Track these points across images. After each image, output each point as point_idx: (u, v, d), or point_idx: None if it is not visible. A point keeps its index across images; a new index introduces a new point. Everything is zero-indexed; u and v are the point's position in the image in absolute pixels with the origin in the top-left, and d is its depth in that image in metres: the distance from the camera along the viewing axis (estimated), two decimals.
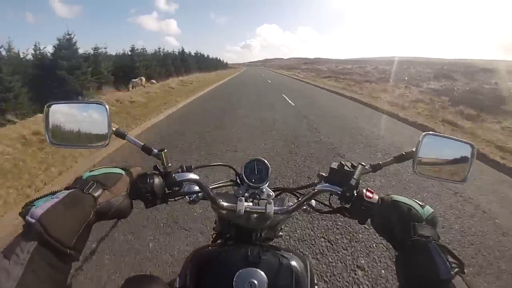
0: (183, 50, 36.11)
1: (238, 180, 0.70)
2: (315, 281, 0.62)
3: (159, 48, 30.12)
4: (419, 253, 0.45)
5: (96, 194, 0.44)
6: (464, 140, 0.61)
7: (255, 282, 0.53)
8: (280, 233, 0.79)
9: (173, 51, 33.67)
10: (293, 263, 0.59)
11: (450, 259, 0.42)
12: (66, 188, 0.44)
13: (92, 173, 0.49)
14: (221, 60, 69.15)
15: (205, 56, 49.80)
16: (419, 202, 0.53)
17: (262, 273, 0.54)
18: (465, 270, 0.42)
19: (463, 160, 0.60)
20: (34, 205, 0.38)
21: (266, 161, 0.69)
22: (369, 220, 0.56)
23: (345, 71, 30.96)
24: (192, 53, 42.24)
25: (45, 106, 0.59)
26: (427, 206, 0.52)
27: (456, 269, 0.41)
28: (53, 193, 0.42)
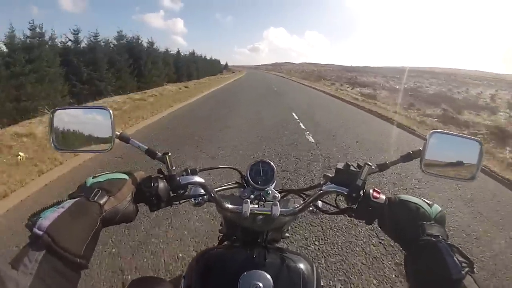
0: (96, 35, 12.71)
1: (243, 182, 0.70)
2: (322, 284, 0.62)
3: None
4: (429, 253, 0.44)
5: (101, 202, 0.44)
6: (472, 137, 0.59)
7: (260, 284, 0.52)
8: (287, 234, 0.79)
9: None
10: (300, 265, 0.58)
11: (460, 259, 0.42)
12: (71, 197, 0.44)
13: (96, 180, 0.48)
14: (210, 59, 34.33)
15: (164, 51, 20.64)
16: (427, 200, 0.52)
17: (268, 275, 0.54)
18: (475, 271, 0.41)
19: (471, 157, 0.59)
20: (41, 217, 0.38)
21: (271, 163, 0.68)
22: (376, 220, 0.55)
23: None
24: (146, 42, 16.98)
25: (50, 112, 0.59)
26: (435, 204, 0.52)
27: (467, 269, 0.40)
28: (58, 203, 0.42)
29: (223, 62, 62.34)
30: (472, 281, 0.39)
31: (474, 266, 0.42)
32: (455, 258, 0.41)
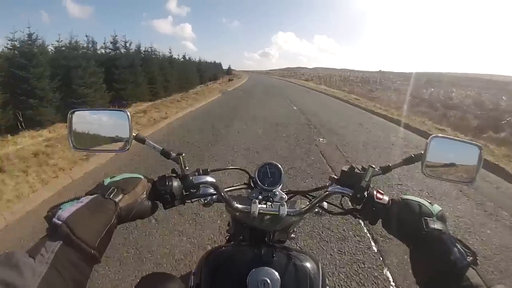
0: None
1: (251, 183, 0.73)
2: (327, 282, 0.64)
3: None
4: (434, 244, 0.46)
5: (117, 199, 0.47)
6: (472, 142, 0.62)
7: (268, 280, 0.54)
8: (292, 235, 0.81)
9: None
10: (306, 263, 0.60)
11: (464, 249, 0.43)
12: (89, 194, 0.47)
13: (113, 179, 0.51)
14: (203, 61, 24.92)
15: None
16: (427, 200, 0.55)
17: (275, 272, 0.56)
18: (478, 262, 0.43)
19: (470, 161, 0.61)
20: (60, 209, 0.41)
21: (279, 165, 0.71)
22: (380, 220, 0.57)
23: None
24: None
25: (69, 113, 0.62)
26: (435, 204, 0.54)
27: (471, 258, 0.42)
28: (78, 198, 0.45)
29: (232, 67, 56.39)
30: (475, 274, 0.41)
31: (477, 258, 0.43)
32: (459, 247, 0.43)
